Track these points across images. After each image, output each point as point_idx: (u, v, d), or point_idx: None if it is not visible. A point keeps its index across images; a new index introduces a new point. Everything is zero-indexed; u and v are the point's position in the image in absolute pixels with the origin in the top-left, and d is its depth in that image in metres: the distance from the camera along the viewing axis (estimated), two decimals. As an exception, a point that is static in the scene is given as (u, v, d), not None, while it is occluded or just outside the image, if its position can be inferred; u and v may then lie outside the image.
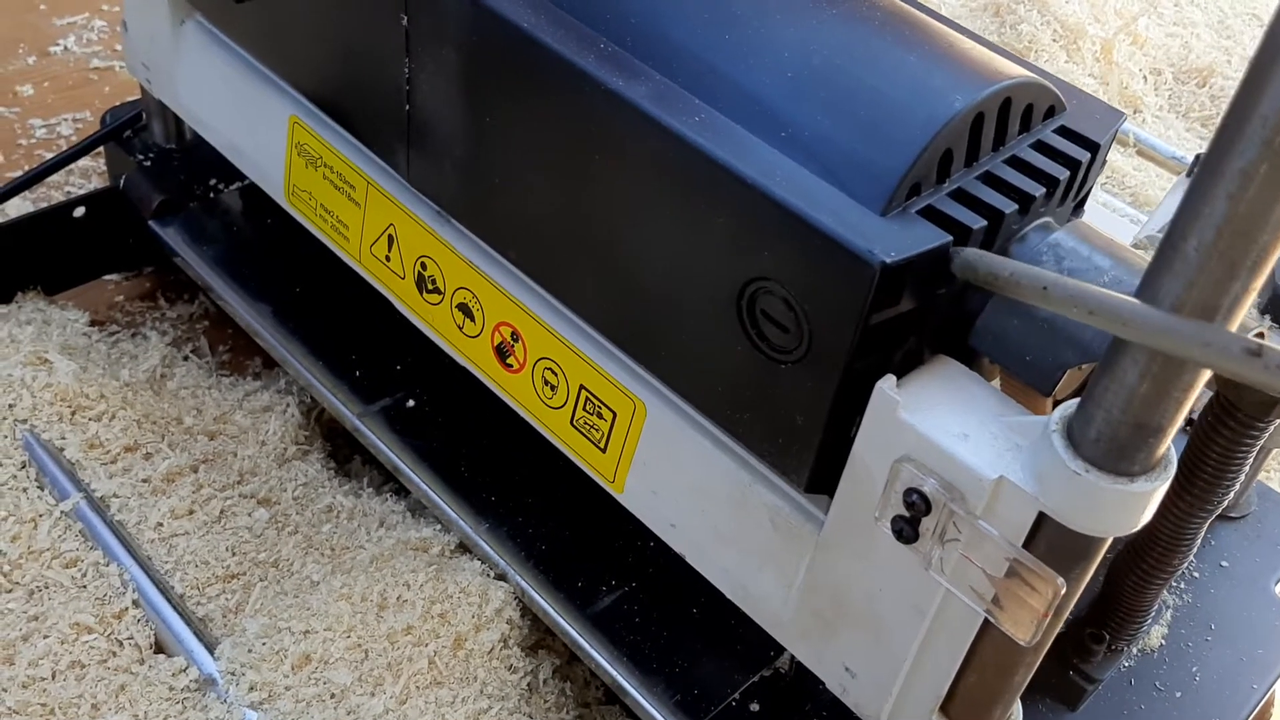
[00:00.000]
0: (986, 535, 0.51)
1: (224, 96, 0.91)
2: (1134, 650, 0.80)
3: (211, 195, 1.03)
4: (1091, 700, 0.77)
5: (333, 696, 0.68)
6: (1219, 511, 0.71)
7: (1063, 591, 0.49)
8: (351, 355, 0.90)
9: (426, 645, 0.71)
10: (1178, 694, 0.79)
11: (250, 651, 0.71)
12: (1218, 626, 0.84)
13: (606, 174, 0.60)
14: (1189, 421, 0.94)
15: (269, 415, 0.90)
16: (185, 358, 0.97)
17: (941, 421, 0.53)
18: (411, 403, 0.87)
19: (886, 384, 0.54)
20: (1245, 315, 0.64)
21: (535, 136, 0.63)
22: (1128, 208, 1.25)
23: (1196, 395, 0.45)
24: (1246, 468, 0.68)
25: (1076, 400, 0.49)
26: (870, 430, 0.55)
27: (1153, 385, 0.45)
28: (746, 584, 0.68)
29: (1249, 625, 0.84)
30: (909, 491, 0.53)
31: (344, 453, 0.94)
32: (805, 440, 0.58)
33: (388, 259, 0.80)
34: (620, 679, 0.74)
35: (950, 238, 0.52)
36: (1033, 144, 0.58)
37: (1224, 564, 0.88)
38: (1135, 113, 1.46)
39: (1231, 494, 0.70)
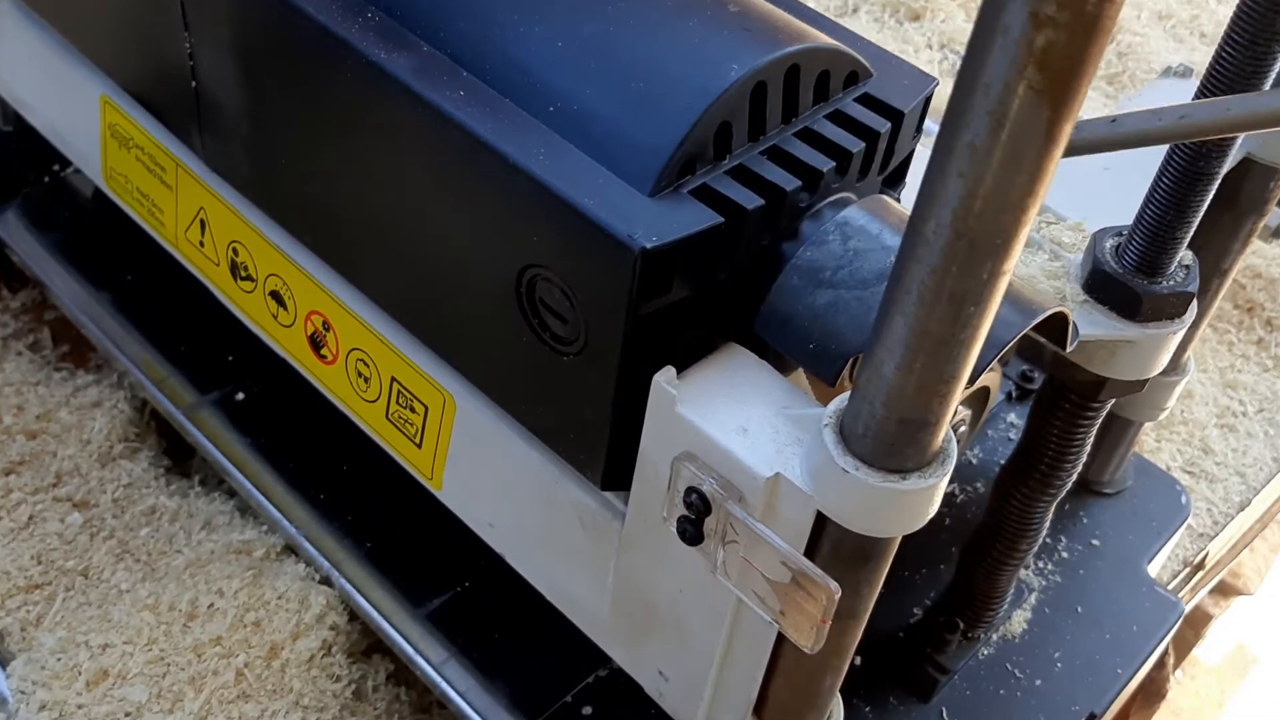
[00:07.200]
0: (762, 537, 0.47)
1: (40, 75, 0.85)
2: (994, 637, 0.77)
3: (47, 180, 0.97)
4: (945, 691, 0.74)
5: (127, 715, 0.64)
6: (1062, 495, 0.68)
7: (837, 597, 0.46)
8: (181, 347, 0.85)
9: (235, 657, 0.67)
10: (1037, 682, 0.76)
11: (44, 668, 0.66)
12: (1085, 609, 0.81)
13: (378, 153, 0.56)
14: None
15: (96, 412, 0.85)
16: (19, 352, 0.92)
17: (720, 415, 0.49)
18: (242, 395, 0.83)
19: (664, 377, 0.50)
20: (1068, 289, 0.60)
21: (310, 114, 0.59)
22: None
23: (963, 388, 0.42)
24: (1086, 450, 0.65)
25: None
26: (652, 426, 0.51)
27: (914, 378, 0.41)
28: (564, 585, 0.64)
29: (1118, 606, 0.81)
30: (689, 491, 0.50)
31: (183, 448, 0.89)
32: (595, 435, 0.54)
33: (202, 245, 0.76)
34: (444, 685, 0.70)
35: (722, 219, 0.48)
36: (828, 115, 0.53)
37: (1095, 542, 0.85)
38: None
39: (1074, 477, 0.67)
